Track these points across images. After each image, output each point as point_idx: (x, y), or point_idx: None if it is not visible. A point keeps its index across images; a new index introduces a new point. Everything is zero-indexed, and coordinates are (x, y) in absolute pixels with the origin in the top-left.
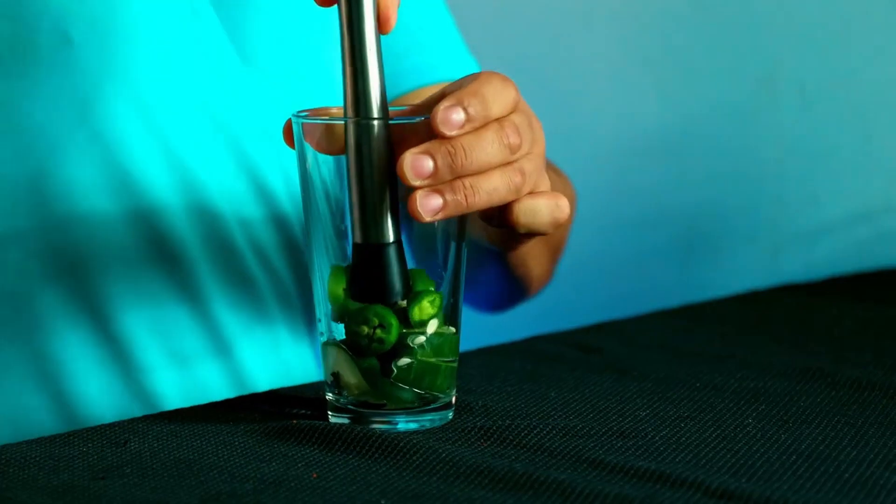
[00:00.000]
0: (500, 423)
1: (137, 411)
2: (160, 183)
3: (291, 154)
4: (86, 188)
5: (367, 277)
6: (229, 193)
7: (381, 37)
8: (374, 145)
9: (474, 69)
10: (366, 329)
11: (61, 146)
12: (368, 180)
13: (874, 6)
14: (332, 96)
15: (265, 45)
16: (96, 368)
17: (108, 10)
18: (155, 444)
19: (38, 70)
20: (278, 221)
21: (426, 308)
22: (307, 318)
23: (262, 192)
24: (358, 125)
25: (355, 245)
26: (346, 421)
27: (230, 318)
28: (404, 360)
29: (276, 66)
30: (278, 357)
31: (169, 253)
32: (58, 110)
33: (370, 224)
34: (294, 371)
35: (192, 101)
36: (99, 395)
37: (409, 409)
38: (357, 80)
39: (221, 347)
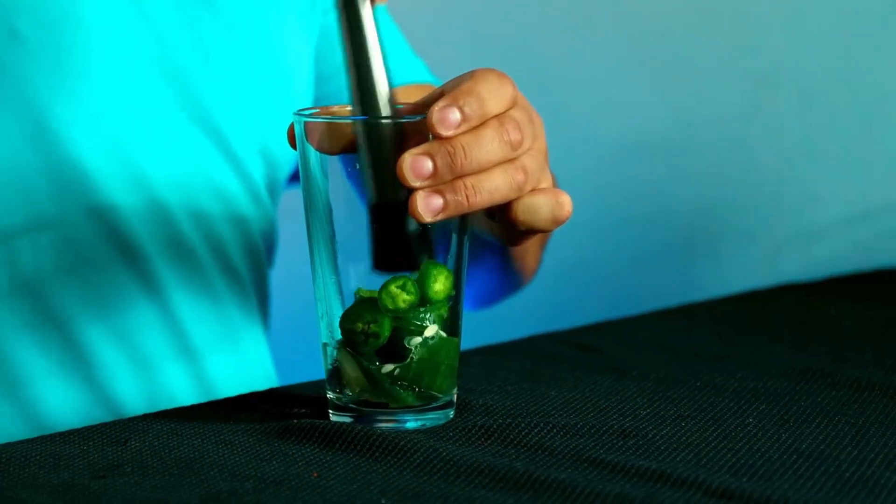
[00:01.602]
0: (501, 421)
1: (101, 417)
2: (109, 180)
3: (249, 150)
4: (33, 190)
5: (388, 241)
6: (181, 188)
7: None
8: (388, 145)
9: (423, 70)
10: (360, 325)
11: (12, 148)
12: (377, 132)
13: (874, 6)
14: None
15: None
16: (58, 374)
17: (57, 4)
18: (155, 443)
19: None
20: (235, 220)
21: (442, 283)
22: (263, 318)
23: (217, 190)
24: (369, 125)
25: (371, 207)
26: (347, 419)
27: (193, 319)
28: (388, 367)
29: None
30: (240, 358)
31: (127, 254)
32: (8, 112)
33: (386, 181)
34: (254, 373)
35: (145, 97)
36: (62, 401)
37: (411, 407)
38: (362, 78)
39: (184, 349)
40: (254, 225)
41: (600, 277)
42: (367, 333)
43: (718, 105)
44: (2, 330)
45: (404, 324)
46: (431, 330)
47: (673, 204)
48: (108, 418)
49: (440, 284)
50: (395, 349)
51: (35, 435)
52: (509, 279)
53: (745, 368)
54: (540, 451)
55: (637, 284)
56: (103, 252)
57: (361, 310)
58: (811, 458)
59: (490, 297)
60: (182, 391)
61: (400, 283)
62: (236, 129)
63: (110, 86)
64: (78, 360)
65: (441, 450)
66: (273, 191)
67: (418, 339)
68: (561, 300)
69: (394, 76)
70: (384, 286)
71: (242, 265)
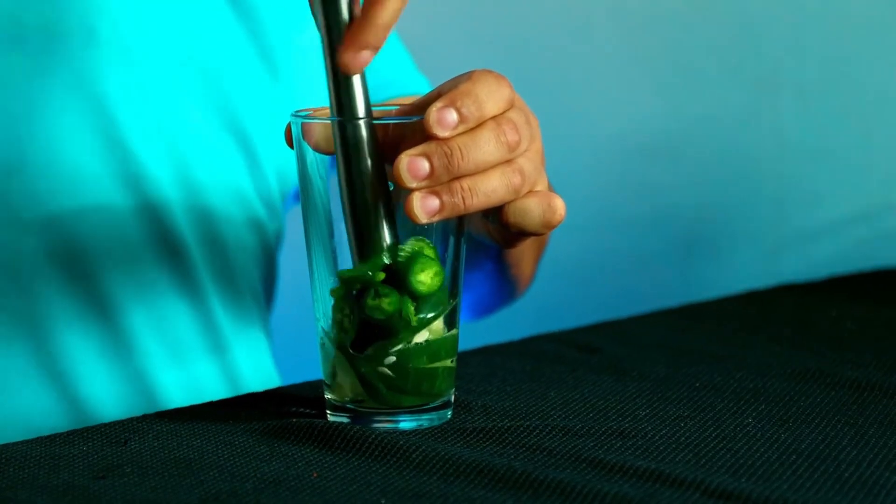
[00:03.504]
0: (500, 423)
1: (141, 408)
2: (164, 177)
3: (270, 160)
4: (94, 180)
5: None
6: (217, 191)
7: None
8: (365, 149)
9: (424, 84)
10: (338, 316)
11: (72, 137)
12: (360, 187)
13: (874, 6)
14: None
15: (288, 50)
16: (102, 365)
17: (127, 8)
18: (155, 444)
19: (62, 63)
20: (255, 225)
21: (428, 275)
22: (267, 319)
23: (242, 195)
24: (344, 127)
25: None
26: (344, 420)
27: (222, 315)
28: (383, 369)
29: (296, 72)
30: (254, 356)
31: (171, 248)
32: (77, 107)
33: (367, 250)
34: (260, 371)
35: (189, 99)
36: (104, 392)
37: (407, 408)
38: (340, 89)
39: (216, 344)
40: (269, 231)
41: (600, 277)
42: (344, 327)
43: (719, 105)
44: (48, 317)
45: (394, 321)
46: (422, 335)
47: (673, 204)
48: (146, 408)
49: (425, 276)
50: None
51: (76, 421)
52: (505, 287)
53: (744, 369)
54: (539, 452)
55: (637, 284)
56: (149, 244)
57: (342, 302)
58: (810, 458)
59: (486, 306)
60: (212, 384)
61: (373, 296)
62: (263, 138)
63: (164, 90)
64: (121, 349)
65: (440, 450)
66: (284, 201)
67: (392, 360)
68: (561, 300)
69: (392, 87)
70: (362, 299)
71: (258, 267)
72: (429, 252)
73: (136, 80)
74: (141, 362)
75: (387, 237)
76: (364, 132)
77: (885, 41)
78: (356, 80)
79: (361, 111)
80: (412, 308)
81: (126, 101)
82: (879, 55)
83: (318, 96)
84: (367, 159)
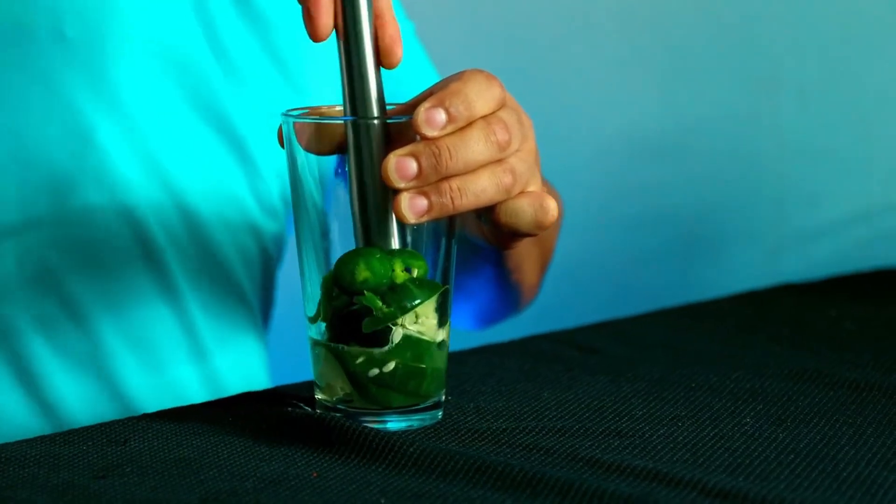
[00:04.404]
0: (497, 423)
1: (113, 412)
2: (137, 180)
3: (269, 165)
4: (66, 182)
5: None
6: (203, 196)
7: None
8: (374, 148)
9: None
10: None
11: (47, 143)
12: (370, 185)
13: (874, 6)
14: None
15: (296, 51)
16: (71, 369)
17: (99, 7)
18: (155, 443)
19: (33, 65)
20: (251, 230)
21: (363, 272)
22: (264, 323)
23: (236, 200)
24: (357, 126)
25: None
26: None
27: (203, 321)
28: (373, 371)
29: (308, 72)
30: (242, 361)
31: (145, 251)
32: (46, 107)
33: (373, 232)
34: (252, 378)
35: (172, 104)
36: (75, 396)
37: (397, 409)
38: (354, 82)
39: (195, 349)
40: (266, 235)
41: (600, 277)
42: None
43: (719, 105)
44: (19, 323)
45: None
46: (398, 334)
47: (673, 204)
48: (119, 412)
49: (364, 273)
50: (375, 336)
51: (50, 427)
52: (507, 294)
53: (742, 368)
54: (537, 452)
55: (637, 284)
56: (124, 249)
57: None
58: (808, 457)
59: (490, 315)
60: (191, 391)
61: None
62: (263, 141)
63: (141, 91)
64: (93, 356)
65: (440, 450)
66: (287, 205)
67: (381, 367)
68: (561, 300)
69: (405, 87)
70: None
71: (252, 271)
72: (372, 252)
73: (108, 80)
74: (112, 366)
75: (394, 226)
76: (375, 129)
77: (885, 41)
78: (371, 75)
79: (375, 108)
80: (378, 300)
81: (97, 101)
82: (879, 55)
83: (332, 96)
84: (377, 153)
